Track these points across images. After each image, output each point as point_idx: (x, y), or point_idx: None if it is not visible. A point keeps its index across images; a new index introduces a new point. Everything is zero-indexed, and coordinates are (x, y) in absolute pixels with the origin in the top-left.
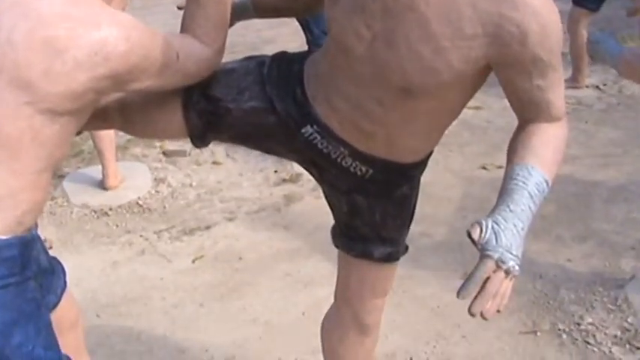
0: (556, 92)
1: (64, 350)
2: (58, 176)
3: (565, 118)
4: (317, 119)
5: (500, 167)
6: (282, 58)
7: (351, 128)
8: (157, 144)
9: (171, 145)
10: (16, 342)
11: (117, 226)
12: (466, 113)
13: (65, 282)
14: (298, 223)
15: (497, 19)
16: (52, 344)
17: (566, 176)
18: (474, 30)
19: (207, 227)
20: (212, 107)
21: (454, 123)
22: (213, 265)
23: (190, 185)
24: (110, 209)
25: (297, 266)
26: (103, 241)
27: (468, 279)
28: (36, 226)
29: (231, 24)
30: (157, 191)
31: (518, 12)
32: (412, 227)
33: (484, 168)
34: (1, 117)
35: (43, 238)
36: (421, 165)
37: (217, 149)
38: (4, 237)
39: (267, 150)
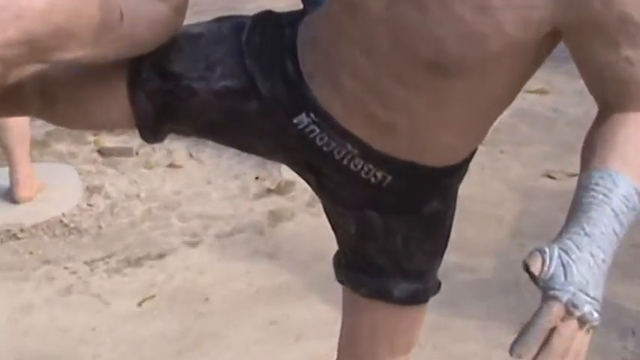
0: None
1: None
2: None
3: None
4: (315, 105)
5: (572, 175)
6: (267, 19)
7: (361, 117)
8: (91, 138)
9: (110, 141)
10: None
11: (31, 253)
12: (525, 98)
13: None
14: (288, 250)
15: None
16: None
17: None
18: None
19: (161, 256)
20: (170, 87)
21: (507, 113)
22: (169, 309)
23: (137, 197)
24: (21, 230)
25: (286, 310)
26: (11, 275)
27: (525, 329)
28: None
29: None
30: (90, 205)
31: None
32: (447, 257)
33: (549, 176)
34: None
35: None
36: (459, 171)
37: (176, 146)
38: None
39: (246, 147)
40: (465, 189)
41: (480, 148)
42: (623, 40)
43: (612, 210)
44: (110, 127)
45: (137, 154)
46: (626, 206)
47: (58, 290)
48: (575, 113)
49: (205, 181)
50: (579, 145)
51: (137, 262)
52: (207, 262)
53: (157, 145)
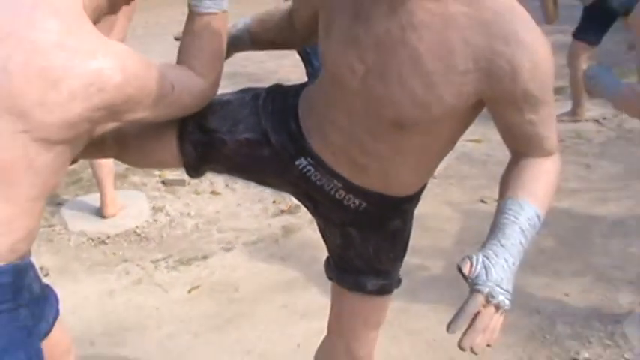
0: (548, 127)
1: None
2: (57, 204)
3: (558, 153)
4: (311, 152)
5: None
6: (277, 90)
7: (344, 161)
8: (157, 173)
9: (170, 175)
10: None
11: (114, 254)
12: (466, 146)
13: (58, 310)
14: (295, 254)
15: (488, 54)
16: None
17: (565, 210)
18: (466, 65)
19: (205, 257)
20: (207, 138)
21: (454, 156)
22: (210, 296)
23: (188, 215)
24: (108, 237)
25: (294, 298)
26: (100, 269)
27: (457, 313)
28: (29, 253)
29: (229, 55)
30: (155, 220)
31: (509, 47)
32: (409, 260)
33: (483, 201)
34: None
35: (39, 265)
36: (414, 199)
37: (216, 179)
38: None
39: (263, 182)
40: (423, 209)
41: (434, 180)
42: (526, 107)
43: (520, 228)
44: (165, 167)
45: (189, 184)
46: (530, 225)
47: (132, 281)
48: (501, 157)
49: (237, 204)
50: None
51: (187, 262)
52: (238, 262)
53: (202, 178)
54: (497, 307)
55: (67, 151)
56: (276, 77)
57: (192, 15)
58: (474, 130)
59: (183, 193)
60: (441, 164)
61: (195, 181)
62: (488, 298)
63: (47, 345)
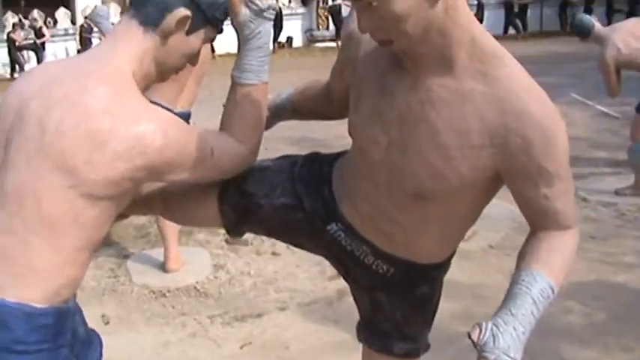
0: (564, 201)
1: None
2: (124, 256)
3: (576, 228)
4: (342, 218)
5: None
6: (314, 159)
7: (372, 228)
8: (221, 232)
9: None
10: None
11: (173, 307)
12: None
13: (101, 353)
14: (348, 317)
15: (502, 130)
16: None
17: (620, 284)
18: (482, 140)
19: (259, 315)
20: (245, 202)
21: (512, 226)
22: (260, 353)
23: (248, 273)
24: (168, 291)
25: (342, 358)
26: (158, 321)
27: None
28: (74, 297)
29: (273, 123)
30: (216, 277)
31: (521, 123)
32: (459, 328)
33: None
34: (45, 198)
35: (101, 313)
36: (442, 266)
37: (278, 241)
38: (41, 306)
39: (298, 245)
40: (478, 278)
41: (491, 250)
42: (541, 182)
43: (532, 299)
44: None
45: (251, 244)
46: (542, 296)
47: (188, 334)
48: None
49: (296, 265)
50: None
51: (242, 319)
52: (291, 322)
53: (265, 239)
54: None
55: (111, 207)
56: (342, 143)
57: (235, 85)
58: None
59: (245, 252)
60: (499, 234)
61: (257, 241)
62: None
63: None
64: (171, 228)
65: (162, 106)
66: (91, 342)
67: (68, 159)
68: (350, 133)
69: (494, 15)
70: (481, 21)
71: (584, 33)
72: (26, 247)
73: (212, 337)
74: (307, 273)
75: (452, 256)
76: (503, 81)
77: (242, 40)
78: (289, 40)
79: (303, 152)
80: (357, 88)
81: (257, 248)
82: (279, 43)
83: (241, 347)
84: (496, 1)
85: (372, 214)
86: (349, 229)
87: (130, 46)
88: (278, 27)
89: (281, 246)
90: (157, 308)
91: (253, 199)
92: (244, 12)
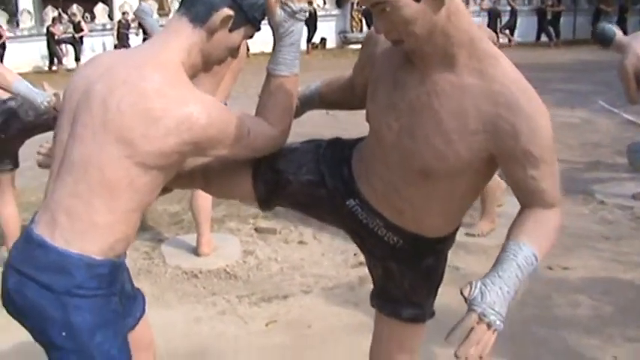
0: (549, 182)
1: None
2: (158, 240)
3: (559, 207)
4: (359, 194)
5: (565, 268)
6: (336, 142)
7: (385, 203)
8: (251, 220)
9: (263, 223)
10: (98, 341)
11: (204, 288)
12: None
13: (144, 309)
14: (368, 302)
15: (494, 118)
16: (125, 349)
17: (628, 281)
18: (477, 126)
19: (284, 297)
20: (276, 178)
21: None
22: (284, 330)
23: (275, 260)
24: (200, 272)
25: (361, 339)
26: (190, 299)
27: (454, 327)
28: (125, 255)
29: (303, 112)
30: (245, 262)
31: (511, 113)
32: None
33: (550, 268)
34: (106, 165)
35: None
36: (446, 241)
37: (306, 230)
38: (99, 258)
39: (320, 218)
40: None
41: None
42: (528, 165)
43: (517, 264)
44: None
45: (279, 233)
46: (527, 262)
47: (217, 312)
48: (576, 229)
49: (321, 253)
50: (575, 250)
51: (269, 300)
52: (314, 304)
53: (292, 228)
54: (489, 325)
55: (159, 176)
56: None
57: (269, 76)
58: None
59: (274, 240)
60: None
61: (285, 230)
62: (481, 317)
63: (133, 337)
64: (205, 215)
65: None
66: (135, 297)
67: (126, 133)
68: (367, 120)
69: (527, 22)
70: (514, 27)
71: (605, 41)
72: (89, 207)
73: (240, 315)
74: (332, 261)
75: (455, 232)
76: (497, 77)
77: (277, 38)
78: (323, 41)
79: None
80: (374, 82)
81: (285, 237)
82: (313, 43)
83: (267, 325)
84: (529, 8)
85: (385, 191)
86: (365, 204)
87: (180, 39)
88: (312, 28)
89: (308, 235)
90: (189, 288)
91: (283, 176)
92: (279, 13)
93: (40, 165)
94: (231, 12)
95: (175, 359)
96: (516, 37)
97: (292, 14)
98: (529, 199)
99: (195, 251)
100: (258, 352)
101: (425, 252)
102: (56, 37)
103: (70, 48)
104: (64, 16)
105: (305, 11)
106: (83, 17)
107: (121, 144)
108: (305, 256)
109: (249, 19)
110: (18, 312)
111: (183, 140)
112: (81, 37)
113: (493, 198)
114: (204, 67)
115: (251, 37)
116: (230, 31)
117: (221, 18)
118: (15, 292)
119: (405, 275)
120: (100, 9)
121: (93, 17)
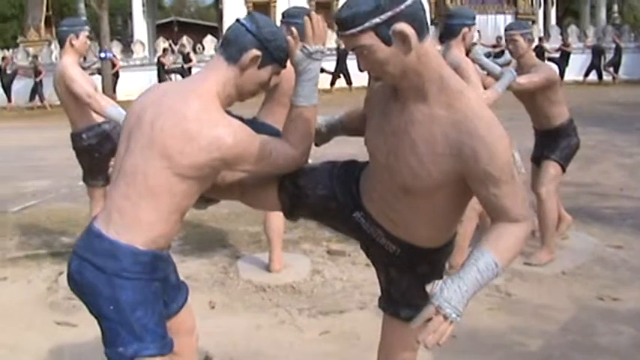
0: (510, 199)
1: (177, 349)
2: (236, 256)
3: (526, 222)
4: (363, 208)
5: (615, 299)
6: (349, 164)
7: (382, 215)
8: (324, 243)
9: (335, 245)
10: (138, 315)
11: (270, 300)
12: (606, 251)
13: (187, 298)
14: None
15: (459, 144)
16: (162, 325)
17: None
18: (444, 150)
19: (341, 311)
20: (297, 192)
21: (590, 258)
22: (336, 340)
23: (340, 279)
24: (268, 287)
25: None
26: (255, 309)
27: (418, 316)
28: (168, 249)
29: (329, 138)
30: (312, 279)
31: (472, 140)
32: (512, 337)
33: (600, 299)
34: (150, 174)
35: (209, 299)
36: (440, 251)
37: None
38: (142, 248)
39: (336, 227)
40: (544, 300)
41: (563, 276)
42: (489, 184)
43: (477, 268)
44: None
45: (349, 255)
46: (487, 268)
47: (278, 321)
48: (636, 263)
49: None
50: (631, 284)
51: (326, 313)
52: (366, 318)
53: (362, 251)
54: (445, 317)
55: (195, 185)
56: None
57: (291, 107)
58: (615, 237)
59: (342, 261)
60: (574, 263)
61: (355, 252)
62: (438, 310)
63: (175, 321)
64: (277, 234)
65: (234, 116)
66: (179, 287)
67: (167, 149)
68: (365, 144)
69: (634, 59)
70: (618, 65)
71: None
72: (136, 207)
73: (297, 325)
74: None
75: (448, 245)
76: (461, 109)
77: (297, 74)
78: (348, 79)
79: None
80: (371, 111)
81: (354, 259)
82: (337, 79)
83: (320, 334)
84: (635, 45)
85: (381, 205)
86: (368, 216)
87: (217, 74)
88: (343, 68)
89: None
90: (256, 300)
91: (302, 191)
92: (298, 54)
93: (110, 175)
94: (259, 52)
95: (232, 357)
96: (621, 75)
97: (309, 55)
98: (494, 214)
99: (267, 268)
100: (308, 357)
101: (420, 260)
102: (166, 67)
103: (179, 78)
104: (174, 47)
105: (322, 52)
106: (195, 49)
107: (162, 157)
108: (368, 276)
109: (274, 59)
110: (78, 289)
111: (212, 157)
112: (189, 68)
113: (553, 229)
114: (238, 97)
115: (278, 73)
116: (259, 68)
117: (250, 57)
118: (76, 273)
119: (403, 280)
120: (208, 40)
121: (203, 48)
